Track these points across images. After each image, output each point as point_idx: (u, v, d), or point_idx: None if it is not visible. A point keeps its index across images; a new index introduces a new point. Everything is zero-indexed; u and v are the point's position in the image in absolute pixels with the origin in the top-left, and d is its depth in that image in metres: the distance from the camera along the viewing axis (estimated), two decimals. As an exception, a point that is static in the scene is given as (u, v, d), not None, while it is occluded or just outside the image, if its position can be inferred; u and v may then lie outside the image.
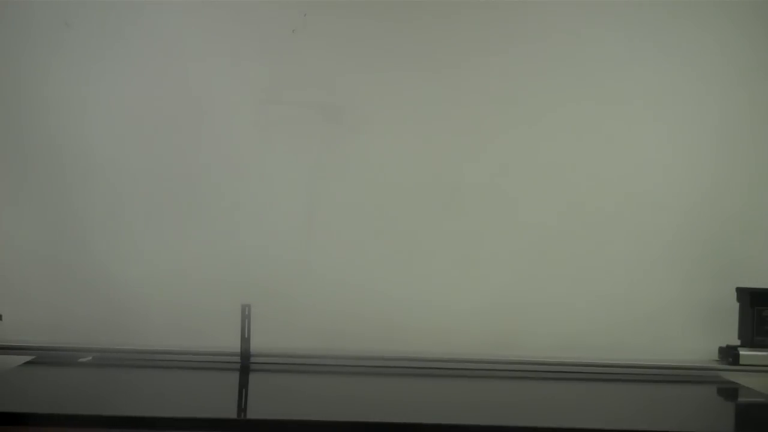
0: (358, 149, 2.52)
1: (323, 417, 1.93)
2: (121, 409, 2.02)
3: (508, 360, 2.45)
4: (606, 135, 2.53)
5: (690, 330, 2.50)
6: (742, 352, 2.43)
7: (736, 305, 2.47)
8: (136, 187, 2.49)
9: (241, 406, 2.19)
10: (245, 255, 2.48)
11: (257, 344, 2.42)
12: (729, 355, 2.45)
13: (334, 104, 2.53)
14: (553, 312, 2.50)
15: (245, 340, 2.42)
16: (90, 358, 2.40)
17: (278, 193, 2.52)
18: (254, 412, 2.16)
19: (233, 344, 2.42)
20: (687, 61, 2.53)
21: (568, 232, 2.52)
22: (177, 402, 2.14)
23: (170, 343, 2.42)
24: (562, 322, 2.49)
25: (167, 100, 2.49)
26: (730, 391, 2.42)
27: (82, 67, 2.48)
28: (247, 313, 2.42)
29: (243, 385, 2.36)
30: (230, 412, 2.10)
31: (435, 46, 2.53)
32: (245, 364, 2.41)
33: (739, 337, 2.46)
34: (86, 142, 2.48)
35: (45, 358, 2.39)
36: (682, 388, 2.42)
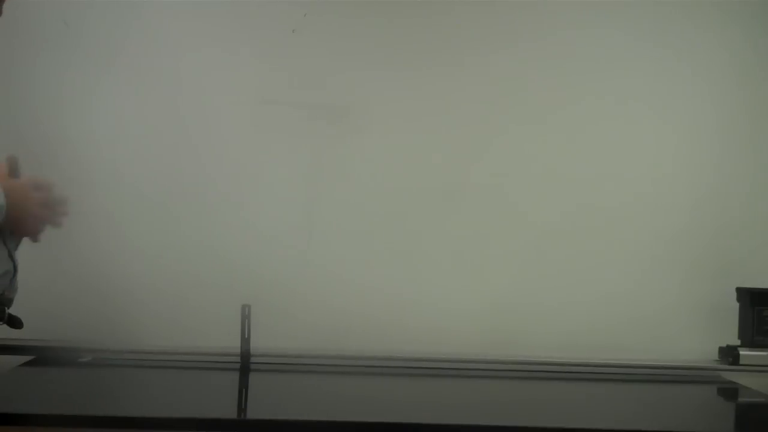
0: (358, 149, 2.52)
1: (323, 417, 1.93)
2: (121, 409, 2.01)
3: (508, 360, 2.45)
4: (607, 135, 2.53)
5: (690, 330, 2.50)
6: (742, 352, 2.43)
7: (736, 305, 2.47)
8: (135, 186, 2.49)
9: (241, 406, 2.19)
10: (245, 255, 2.47)
11: (257, 344, 2.42)
12: (729, 355, 2.45)
13: (334, 104, 2.53)
14: (554, 312, 2.49)
15: (245, 340, 2.42)
16: (90, 358, 2.40)
17: (278, 192, 2.52)
18: (254, 412, 2.16)
19: (233, 344, 2.42)
20: (688, 61, 2.52)
21: (569, 232, 2.52)
22: (177, 402, 2.13)
23: (170, 343, 2.42)
24: (562, 322, 2.49)
25: (166, 100, 2.49)
26: (730, 391, 2.42)
27: (81, 66, 2.48)
28: (247, 313, 2.42)
29: (243, 385, 2.36)
30: (230, 412, 2.09)
31: (436, 45, 2.52)
32: (245, 364, 2.41)
33: (739, 337, 2.46)
34: (85, 141, 2.47)
35: (45, 358, 2.39)
36: (682, 388, 2.42)
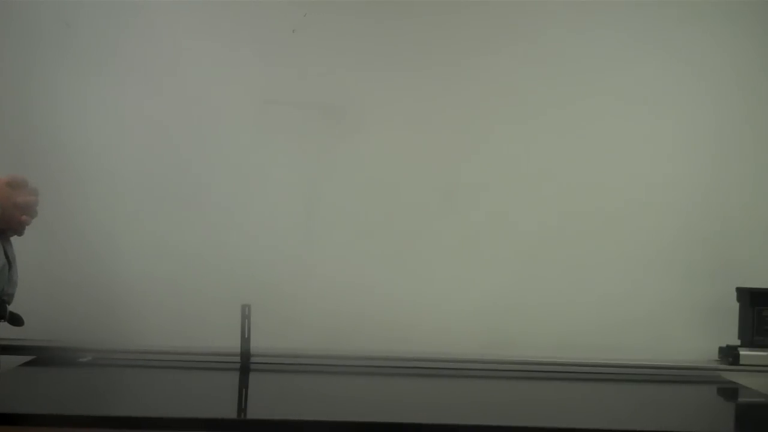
0: (358, 149, 2.52)
1: (323, 417, 1.93)
2: (121, 409, 2.01)
3: (508, 360, 2.45)
4: (604, 135, 2.53)
5: (690, 330, 2.50)
6: (742, 352, 2.43)
7: (736, 305, 2.47)
8: (135, 186, 2.49)
9: (241, 406, 2.19)
10: (245, 255, 2.47)
11: (257, 344, 2.42)
12: (729, 355, 2.45)
13: (333, 104, 2.53)
14: (553, 312, 2.49)
15: (245, 340, 2.42)
16: (90, 358, 2.40)
17: (278, 192, 2.52)
18: (254, 412, 2.16)
19: (233, 344, 2.42)
20: (686, 61, 2.52)
21: (567, 231, 2.52)
22: (177, 402, 2.14)
23: (170, 343, 2.42)
24: (561, 322, 2.49)
25: (167, 100, 2.49)
26: (730, 391, 2.42)
27: (82, 67, 2.48)
28: (247, 313, 2.42)
29: (243, 385, 2.36)
30: (230, 412, 2.10)
31: (434, 46, 2.53)
32: (245, 364, 2.41)
33: (739, 337, 2.46)
34: (86, 142, 2.48)
35: (45, 358, 2.39)
36: (682, 388, 2.42)
